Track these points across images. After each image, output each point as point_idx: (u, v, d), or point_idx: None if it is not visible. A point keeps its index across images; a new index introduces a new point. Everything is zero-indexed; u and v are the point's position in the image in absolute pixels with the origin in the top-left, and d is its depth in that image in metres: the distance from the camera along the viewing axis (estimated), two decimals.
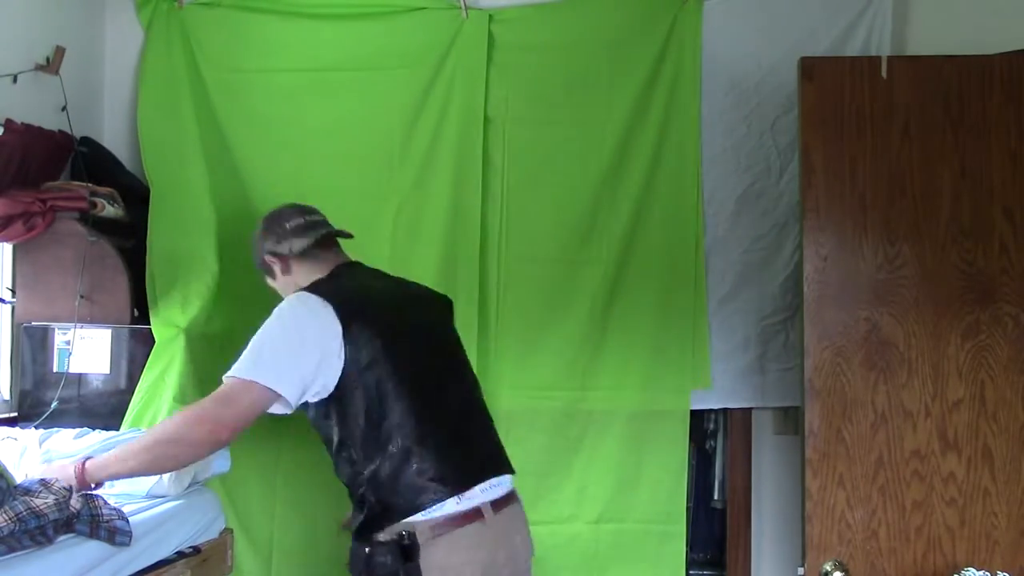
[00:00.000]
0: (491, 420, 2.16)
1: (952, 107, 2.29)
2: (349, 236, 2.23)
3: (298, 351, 1.91)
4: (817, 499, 2.27)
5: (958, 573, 2.16)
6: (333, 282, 2.08)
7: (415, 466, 1.87)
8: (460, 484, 1.90)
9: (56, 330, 2.67)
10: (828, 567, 2.24)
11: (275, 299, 2.85)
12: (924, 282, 2.28)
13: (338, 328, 1.90)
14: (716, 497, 3.42)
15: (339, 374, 1.91)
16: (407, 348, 1.99)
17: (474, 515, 1.89)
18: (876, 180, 2.30)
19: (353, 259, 2.23)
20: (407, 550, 1.82)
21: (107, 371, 2.66)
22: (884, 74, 2.32)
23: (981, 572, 2.11)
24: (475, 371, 2.75)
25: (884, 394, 2.28)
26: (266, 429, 2.85)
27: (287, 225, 2.18)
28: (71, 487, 1.86)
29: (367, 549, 1.87)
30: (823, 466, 2.28)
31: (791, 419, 2.71)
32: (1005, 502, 2.21)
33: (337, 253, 2.22)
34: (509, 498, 2.01)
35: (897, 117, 2.31)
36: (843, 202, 2.31)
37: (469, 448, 2.00)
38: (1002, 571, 2.17)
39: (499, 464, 2.04)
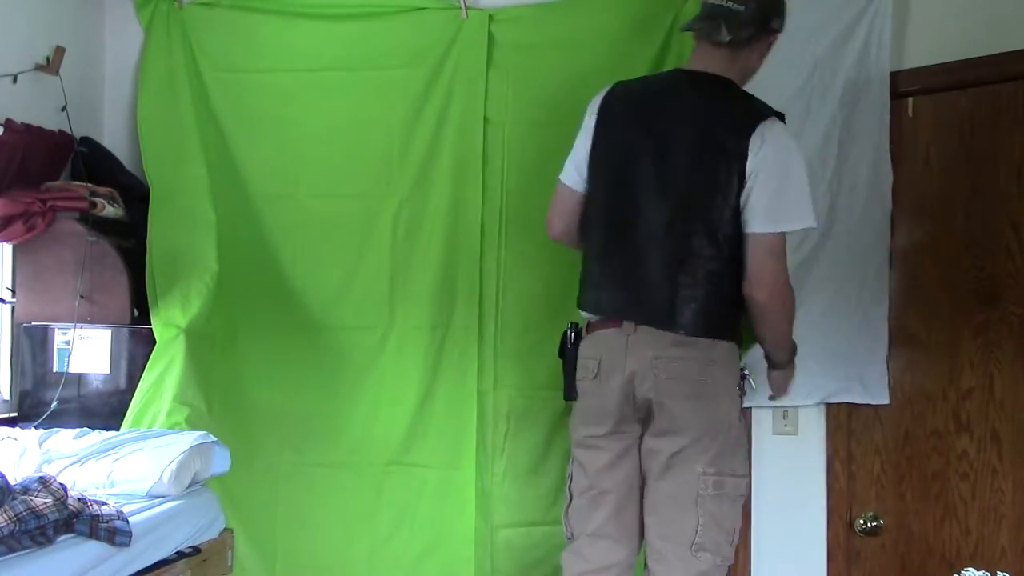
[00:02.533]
0: None
1: (966, 134, 2.51)
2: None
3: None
4: (860, 461, 2.61)
5: (958, 573, 2.18)
6: None
7: None
8: None
9: (56, 330, 2.67)
10: (867, 517, 2.57)
11: (276, 299, 2.89)
12: (941, 286, 2.52)
13: None
14: None
15: None
16: None
17: None
18: (902, 204, 2.56)
19: None
20: None
21: (107, 371, 2.66)
22: (911, 113, 2.57)
23: (981, 572, 2.13)
24: (475, 371, 2.79)
25: (909, 380, 2.56)
26: (267, 427, 2.88)
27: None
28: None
29: None
30: (864, 435, 2.61)
31: (791, 419, 2.70)
32: (1011, 480, 2.41)
33: None
34: None
35: (920, 150, 2.57)
36: None
37: None
38: (1006, 548, 2.38)
39: None
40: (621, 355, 2.04)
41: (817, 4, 2.62)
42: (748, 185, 1.96)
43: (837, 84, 2.59)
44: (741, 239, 2.00)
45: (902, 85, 2.55)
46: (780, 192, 1.96)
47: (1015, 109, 2.43)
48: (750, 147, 1.95)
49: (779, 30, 2.16)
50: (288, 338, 2.89)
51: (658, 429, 2.01)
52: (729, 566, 2.05)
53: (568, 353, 2.19)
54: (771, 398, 2.33)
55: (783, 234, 1.98)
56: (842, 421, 2.62)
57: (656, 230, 2.03)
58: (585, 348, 2.14)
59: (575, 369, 2.16)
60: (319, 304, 2.89)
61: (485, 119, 2.81)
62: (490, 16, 2.83)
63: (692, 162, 2.01)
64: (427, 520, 2.80)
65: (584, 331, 2.17)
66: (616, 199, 2.12)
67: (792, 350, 2.21)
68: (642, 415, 2.05)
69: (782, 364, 2.22)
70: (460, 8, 2.83)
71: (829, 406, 2.64)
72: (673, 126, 2.06)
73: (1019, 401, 2.40)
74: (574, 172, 2.22)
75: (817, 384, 2.60)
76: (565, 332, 2.22)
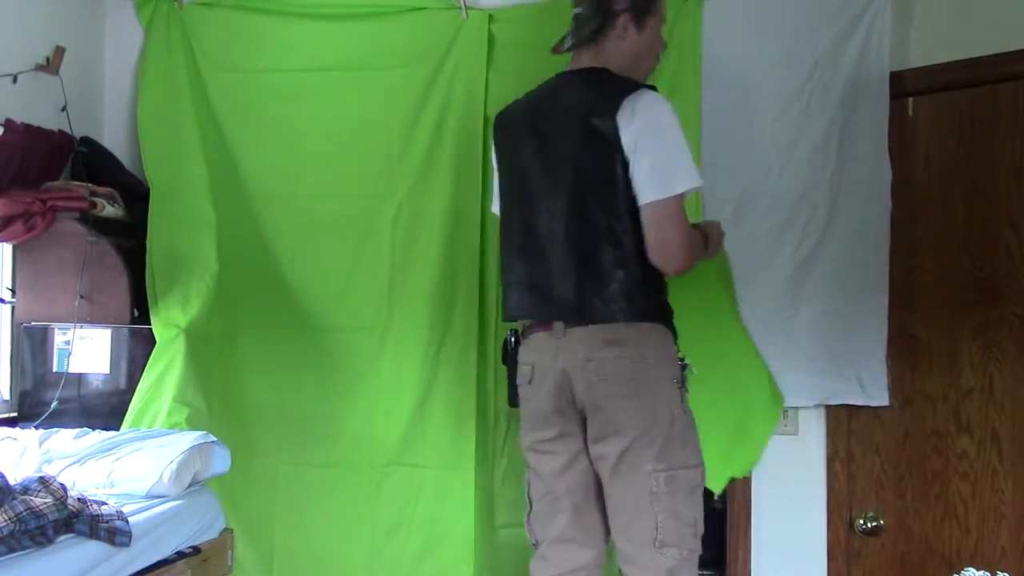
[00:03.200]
0: None
1: (965, 134, 2.52)
2: None
3: None
4: (860, 462, 2.61)
5: (958, 573, 2.18)
6: None
7: None
8: None
9: (56, 330, 2.67)
10: (867, 517, 2.58)
11: (276, 299, 2.89)
12: (942, 286, 2.53)
13: None
14: (716, 497, 3.41)
15: None
16: None
17: None
18: (903, 204, 2.56)
19: None
20: None
21: (107, 371, 2.66)
22: (911, 113, 2.59)
23: (981, 572, 2.12)
24: (475, 371, 2.78)
25: (909, 380, 2.57)
26: (266, 427, 2.88)
27: None
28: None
29: None
30: (864, 435, 2.62)
31: (791, 419, 2.70)
32: (1011, 480, 2.43)
33: None
34: None
35: (920, 150, 2.59)
36: None
37: None
38: (1006, 548, 2.39)
39: None
40: (552, 358, 2.03)
41: (817, 4, 2.62)
42: (630, 160, 1.95)
43: (837, 84, 2.59)
44: (616, 209, 2.00)
45: (902, 85, 2.56)
46: (661, 157, 1.95)
47: (1015, 109, 2.43)
48: (620, 122, 1.94)
49: (627, 5, 2.11)
50: (288, 338, 2.89)
51: (597, 434, 1.99)
52: (699, 556, 2.03)
53: (509, 359, 2.20)
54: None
55: (677, 196, 1.96)
56: (842, 421, 2.63)
57: (556, 226, 2.04)
58: (521, 353, 2.14)
59: (513, 376, 2.17)
60: (318, 304, 2.89)
61: (485, 119, 2.81)
62: (490, 16, 2.83)
63: (575, 151, 2.02)
64: (426, 520, 2.80)
65: (522, 336, 2.16)
66: (517, 207, 2.15)
67: (706, 247, 2.17)
68: (582, 416, 2.04)
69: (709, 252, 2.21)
70: (460, 8, 2.83)
71: (829, 406, 2.64)
72: (552, 123, 2.09)
73: (1019, 401, 2.41)
74: (496, 200, 2.28)
75: (817, 385, 2.60)
76: (506, 338, 2.22)
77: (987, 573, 2.06)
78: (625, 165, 1.96)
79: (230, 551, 2.43)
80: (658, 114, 1.97)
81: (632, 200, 1.98)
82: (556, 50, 2.19)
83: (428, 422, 2.80)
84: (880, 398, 2.55)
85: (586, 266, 2.00)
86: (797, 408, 2.66)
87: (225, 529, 2.41)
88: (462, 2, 2.82)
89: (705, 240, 2.16)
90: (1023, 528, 2.40)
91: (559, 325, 2.02)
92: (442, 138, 2.83)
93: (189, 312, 2.72)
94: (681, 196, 1.97)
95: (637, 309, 1.99)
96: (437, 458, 2.79)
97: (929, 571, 2.51)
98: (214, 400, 2.74)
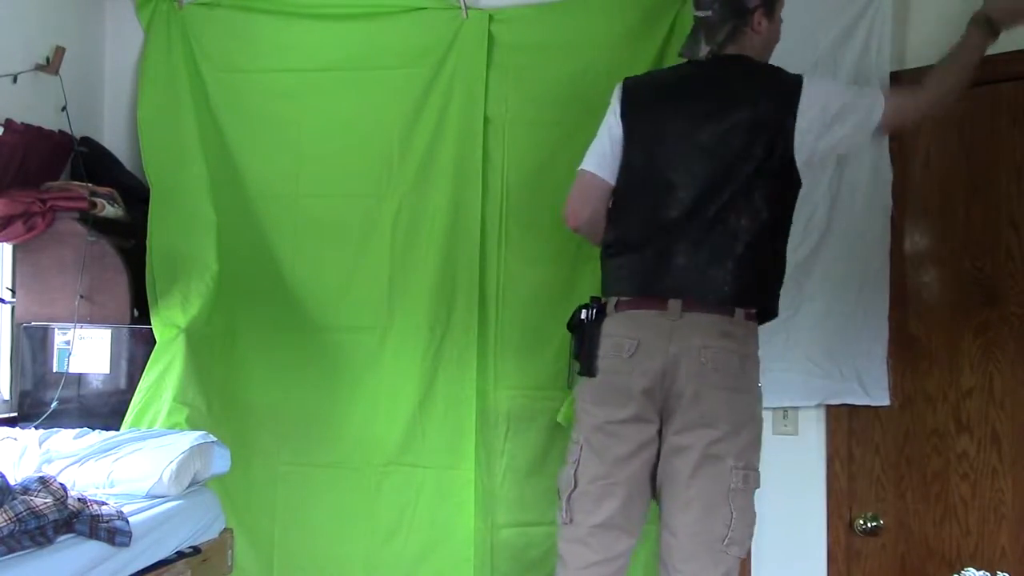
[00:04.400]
0: None
1: (965, 133, 2.50)
2: None
3: None
4: (860, 462, 2.60)
5: (958, 573, 2.18)
6: None
7: None
8: None
9: (56, 330, 2.67)
10: (867, 517, 2.57)
11: (276, 299, 2.89)
12: (941, 286, 2.53)
13: None
14: None
15: None
16: None
17: None
18: (902, 204, 2.55)
19: None
20: None
21: (107, 371, 2.66)
22: None
23: (981, 572, 2.12)
24: (475, 371, 2.78)
25: (909, 380, 2.55)
26: (266, 427, 2.88)
27: None
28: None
29: None
30: (864, 435, 2.60)
31: (791, 419, 2.70)
32: (1011, 480, 2.41)
33: None
34: None
35: (920, 150, 2.56)
36: None
37: None
38: (1006, 548, 2.39)
39: None
40: (664, 339, 1.99)
41: (817, 4, 2.62)
42: (806, 125, 2.01)
43: None
44: (786, 205, 2.07)
45: (902, 85, 2.55)
46: (849, 94, 2.10)
47: (1015, 109, 2.43)
48: (800, 110, 2.01)
49: (760, 3, 2.15)
50: (287, 338, 2.89)
51: (687, 422, 1.97)
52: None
53: (587, 328, 2.11)
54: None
55: (882, 96, 2.08)
56: (842, 421, 2.62)
57: (696, 206, 2.03)
58: (617, 326, 2.07)
59: (596, 346, 2.09)
60: (318, 304, 2.89)
61: (485, 119, 2.81)
62: (490, 16, 2.83)
63: (730, 137, 2.03)
64: (426, 521, 2.80)
65: (613, 309, 2.10)
66: (655, 184, 2.10)
67: (987, 36, 2.15)
68: (665, 406, 2.01)
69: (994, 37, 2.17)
70: (460, 8, 2.83)
71: (829, 406, 2.64)
72: (705, 106, 2.08)
73: (1019, 401, 2.40)
74: (602, 161, 2.21)
75: (817, 385, 2.60)
76: (581, 307, 2.16)
77: (987, 573, 2.06)
78: (786, 153, 2.01)
79: (230, 551, 2.43)
80: (827, 91, 2.07)
81: (783, 187, 2.04)
82: (685, 54, 2.20)
83: (428, 422, 2.80)
84: (880, 398, 2.55)
85: (716, 246, 2.00)
86: (797, 408, 2.66)
87: (225, 529, 2.41)
88: (462, 2, 2.82)
89: (988, 32, 2.14)
90: (1023, 528, 2.40)
91: (675, 305, 2.00)
92: (442, 138, 2.83)
93: (189, 312, 2.72)
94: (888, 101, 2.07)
95: (755, 295, 2.04)
96: (437, 458, 2.80)
97: (929, 571, 2.51)
98: (214, 400, 2.74)
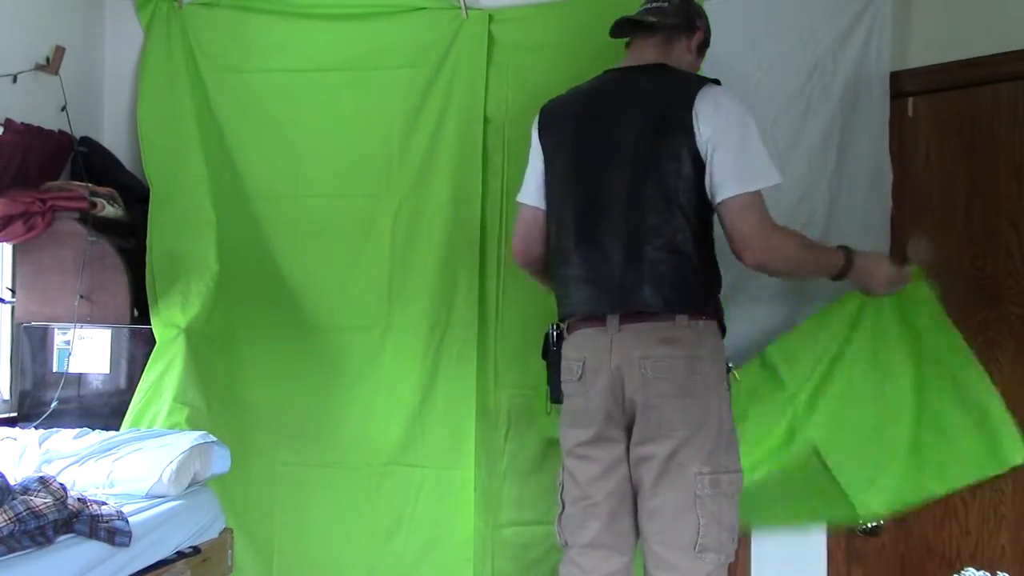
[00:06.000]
0: None
1: (965, 133, 2.52)
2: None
3: None
4: None
5: (958, 573, 2.18)
6: None
7: None
8: None
9: (56, 330, 2.67)
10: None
11: (276, 299, 2.88)
12: (942, 286, 2.47)
13: None
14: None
15: None
16: None
17: None
18: (903, 204, 2.56)
19: None
20: None
21: (107, 371, 2.67)
22: (910, 113, 2.59)
23: (981, 572, 2.13)
24: (475, 371, 2.78)
25: None
26: (265, 427, 2.88)
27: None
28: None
29: None
30: None
31: None
32: (1011, 480, 2.40)
33: None
34: None
35: (920, 150, 2.58)
36: None
37: None
38: (1006, 548, 2.39)
39: None
40: (606, 354, 2.00)
41: (817, 4, 2.62)
42: (708, 153, 1.93)
43: (837, 84, 2.59)
44: (706, 208, 1.98)
45: (902, 85, 2.56)
46: (744, 152, 1.94)
47: (1015, 109, 2.43)
48: (699, 114, 1.93)
49: (703, 31, 2.18)
50: (287, 337, 2.89)
51: (645, 434, 1.97)
52: (729, 563, 2.04)
53: (551, 355, 2.17)
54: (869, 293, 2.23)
55: (757, 192, 1.94)
56: None
57: (616, 215, 2.01)
58: (568, 348, 2.11)
59: (557, 371, 2.13)
60: (318, 304, 2.89)
61: (485, 119, 2.81)
62: (490, 16, 2.83)
63: (641, 142, 2.00)
64: (425, 520, 2.80)
65: (566, 331, 2.14)
66: (570, 197, 2.10)
67: (840, 263, 2.08)
68: (628, 419, 2.01)
69: (843, 276, 2.11)
70: (460, 8, 2.83)
71: None
72: (617, 114, 2.06)
73: (1019, 401, 2.38)
74: (533, 191, 2.20)
75: None
76: (547, 333, 2.19)
77: (987, 573, 2.06)
78: (696, 156, 1.95)
79: (230, 551, 2.43)
80: (738, 111, 1.97)
81: (699, 190, 1.96)
82: (621, 24, 2.16)
83: (428, 422, 2.80)
84: None
85: (641, 255, 1.97)
86: None
87: (225, 529, 2.41)
88: (462, 2, 2.82)
89: (840, 260, 2.08)
90: (1023, 528, 2.41)
91: (613, 320, 1.99)
92: (442, 138, 2.83)
93: (189, 312, 2.72)
94: (759, 192, 1.94)
95: (692, 301, 1.98)
96: (437, 458, 2.80)
97: (929, 571, 2.51)
98: (214, 400, 2.74)
